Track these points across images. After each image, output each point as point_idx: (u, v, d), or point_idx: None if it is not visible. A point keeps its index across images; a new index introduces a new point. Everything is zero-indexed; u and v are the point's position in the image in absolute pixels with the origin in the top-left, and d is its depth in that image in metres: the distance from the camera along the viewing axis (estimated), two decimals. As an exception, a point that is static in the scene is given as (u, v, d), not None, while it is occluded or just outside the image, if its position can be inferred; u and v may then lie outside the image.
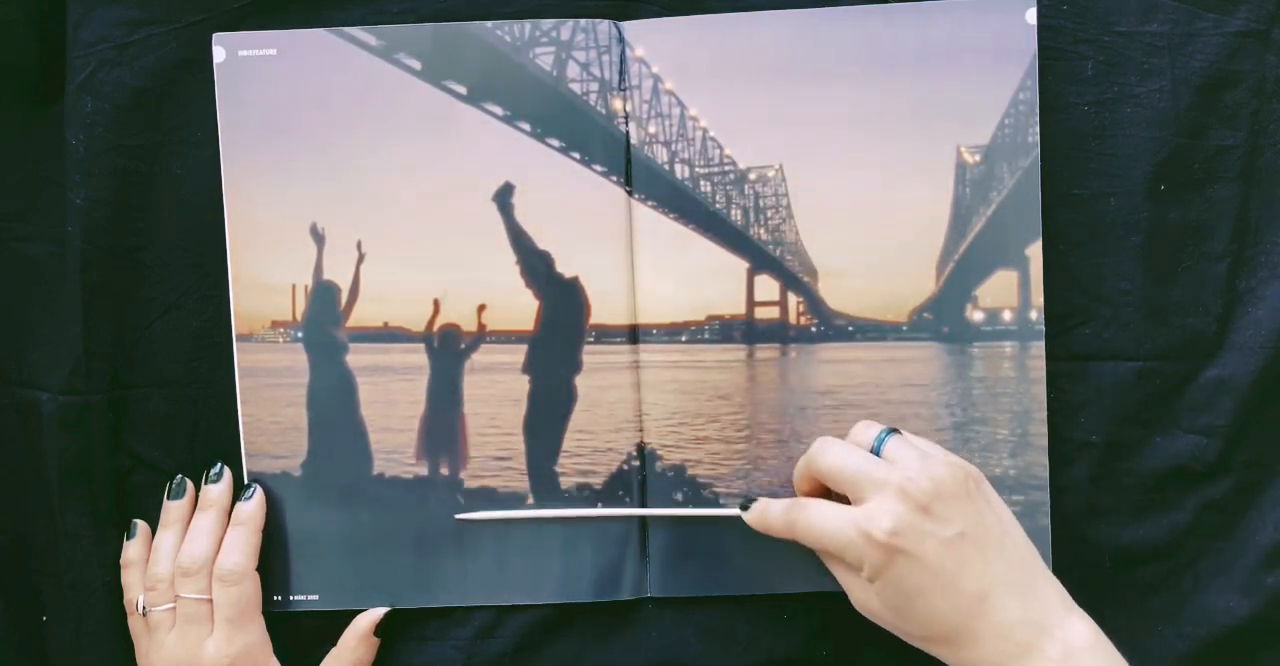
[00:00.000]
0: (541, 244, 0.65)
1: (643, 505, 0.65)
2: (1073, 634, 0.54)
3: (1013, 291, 0.64)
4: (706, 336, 0.65)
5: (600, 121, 0.64)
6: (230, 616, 0.62)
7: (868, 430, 0.59)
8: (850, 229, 0.65)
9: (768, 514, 0.59)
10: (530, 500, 0.65)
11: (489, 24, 0.64)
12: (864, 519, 0.54)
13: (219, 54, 0.64)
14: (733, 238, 0.65)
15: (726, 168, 0.65)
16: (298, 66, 0.64)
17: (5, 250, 0.67)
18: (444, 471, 0.65)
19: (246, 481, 0.65)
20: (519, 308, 0.65)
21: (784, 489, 0.65)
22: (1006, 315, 0.64)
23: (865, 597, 0.57)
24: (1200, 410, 0.65)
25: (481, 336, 0.65)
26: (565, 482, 0.65)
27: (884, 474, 0.55)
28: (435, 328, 0.65)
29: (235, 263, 0.65)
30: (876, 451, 0.58)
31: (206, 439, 0.66)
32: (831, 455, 0.58)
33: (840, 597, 0.65)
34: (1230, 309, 0.65)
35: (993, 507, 0.57)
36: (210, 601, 0.62)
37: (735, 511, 0.62)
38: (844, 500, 0.57)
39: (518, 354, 0.65)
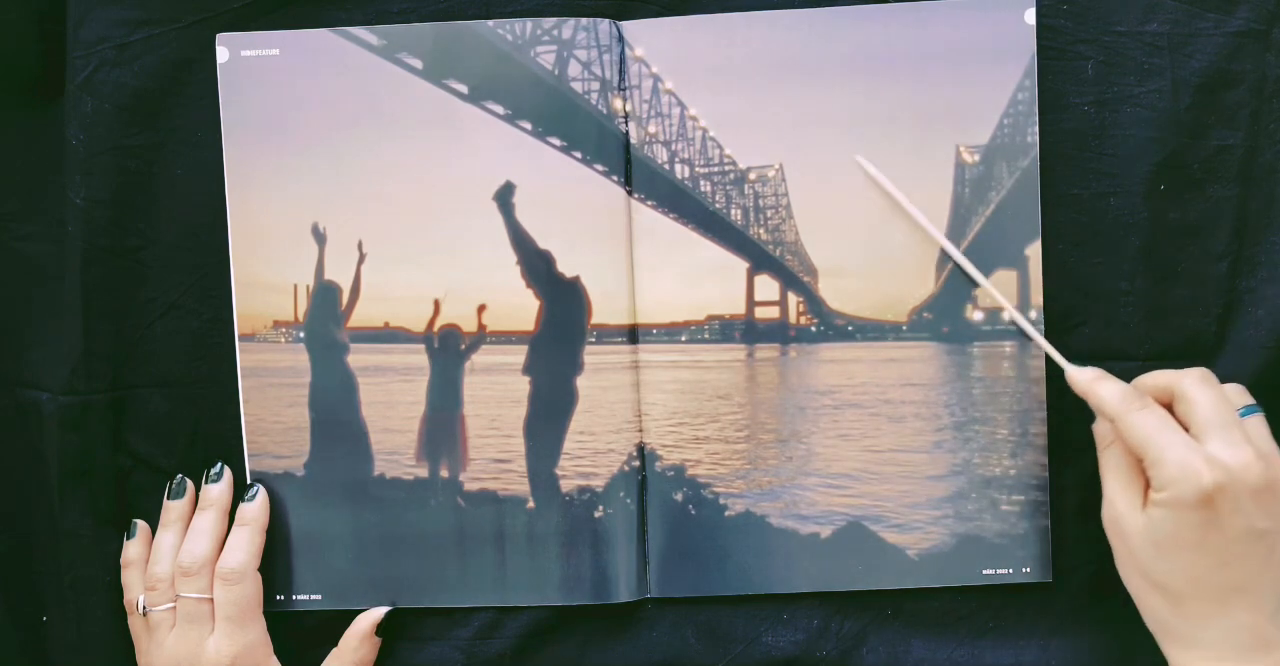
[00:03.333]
0: (542, 243, 0.65)
1: (643, 505, 0.65)
2: None
3: (1012, 291, 0.64)
4: (706, 336, 0.65)
5: (601, 121, 0.64)
6: (231, 615, 0.62)
7: (1240, 395, 0.59)
8: (850, 229, 0.65)
9: (1100, 386, 0.59)
10: (530, 504, 0.65)
11: (490, 23, 0.64)
12: (1205, 458, 0.54)
13: (222, 54, 0.64)
14: (733, 237, 0.65)
15: (726, 167, 0.65)
16: (300, 66, 0.64)
17: (5, 250, 0.67)
18: (444, 473, 0.65)
19: (249, 481, 0.65)
20: (520, 308, 0.65)
21: (784, 489, 0.65)
22: (1006, 315, 0.64)
23: (1130, 513, 0.57)
24: (1200, 410, 0.65)
25: (482, 337, 0.65)
26: (566, 485, 0.65)
27: (1242, 438, 0.55)
28: (436, 328, 0.65)
29: (237, 262, 0.65)
30: (1241, 416, 0.57)
31: (207, 439, 0.66)
32: (1210, 391, 0.57)
33: (841, 597, 0.65)
34: (1230, 309, 0.65)
35: None
36: (210, 601, 0.62)
37: (1064, 362, 0.61)
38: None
39: (518, 354, 0.65)
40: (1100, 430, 0.61)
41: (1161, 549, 0.55)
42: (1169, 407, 0.58)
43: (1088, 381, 0.59)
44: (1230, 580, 0.54)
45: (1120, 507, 0.57)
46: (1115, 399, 0.58)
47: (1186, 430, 0.56)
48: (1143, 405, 0.57)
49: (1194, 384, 0.57)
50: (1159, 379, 0.59)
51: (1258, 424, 0.58)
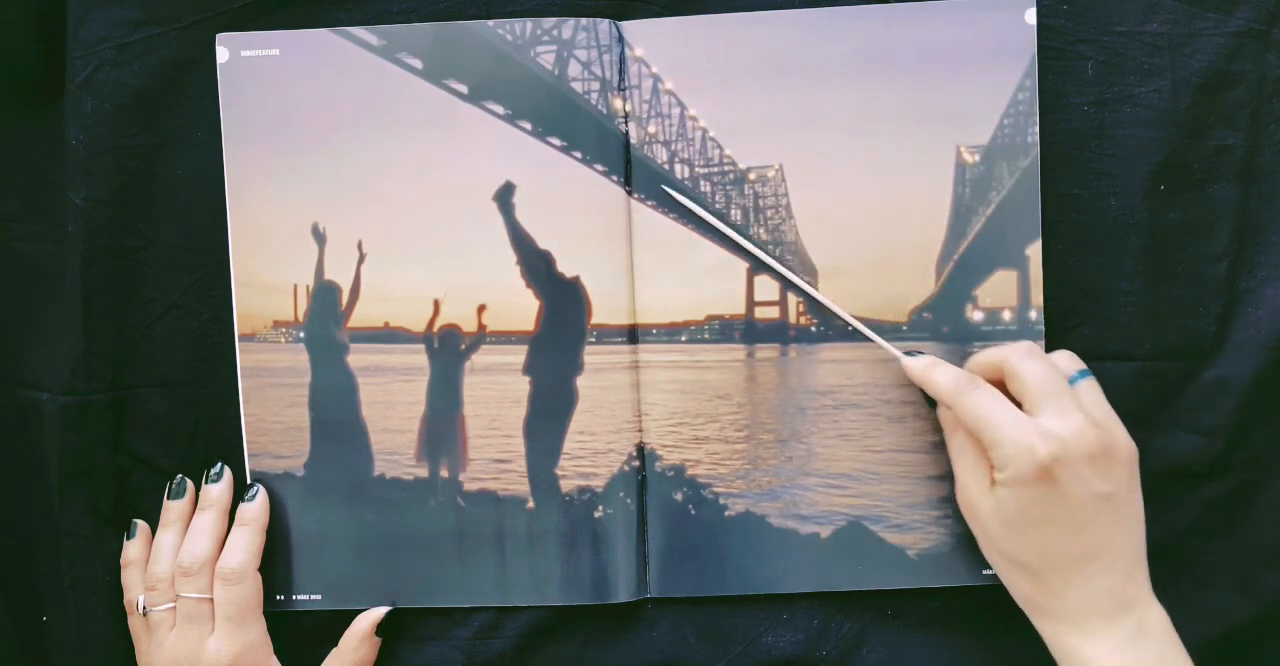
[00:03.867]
0: (542, 243, 0.65)
1: (642, 505, 0.65)
2: (1150, 618, 0.56)
3: (1012, 291, 0.64)
4: (706, 336, 0.65)
5: (601, 121, 0.64)
6: (231, 615, 0.62)
7: (1071, 362, 0.60)
8: (850, 229, 0.65)
9: (935, 372, 0.60)
10: (530, 504, 0.65)
11: (490, 23, 0.64)
12: (1037, 432, 0.55)
13: (222, 54, 0.64)
14: (733, 237, 0.65)
15: (726, 167, 0.65)
16: (300, 66, 0.64)
17: (5, 250, 0.67)
18: (444, 473, 0.65)
19: (249, 481, 0.65)
20: (520, 308, 0.65)
21: (783, 489, 0.65)
22: (1006, 315, 0.64)
23: (979, 494, 0.58)
24: (1200, 410, 0.65)
25: (482, 336, 0.65)
26: (566, 486, 0.65)
27: (1074, 406, 0.56)
28: (436, 328, 0.65)
29: (237, 263, 0.65)
30: (1071, 383, 0.58)
31: (207, 439, 0.66)
32: (1035, 363, 0.58)
33: (841, 597, 0.65)
34: (1230, 309, 0.65)
35: (1139, 492, 0.58)
36: (210, 601, 0.62)
37: (898, 353, 0.62)
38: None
39: (518, 354, 0.65)
40: (944, 416, 0.62)
41: (1012, 526, 0.57)
42: (1003, 386, 0.59)
43: (922, 369, 0.60)
44: (1082, 548, 0.55)
45: (971, 491, 0.59)
46: (949, 384, 0.59)
47: (1021, 406, 0.57)
48: (974, 387, 0.58)
49: (1020, 358, 0.58)
50: (989, 357, 0.60)
51: (1089, 388, 0.59)
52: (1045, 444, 0.54)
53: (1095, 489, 0.55)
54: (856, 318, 0.65)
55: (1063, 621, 0.56)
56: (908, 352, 0.62)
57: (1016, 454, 0.55)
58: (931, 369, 0.60)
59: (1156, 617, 0.56)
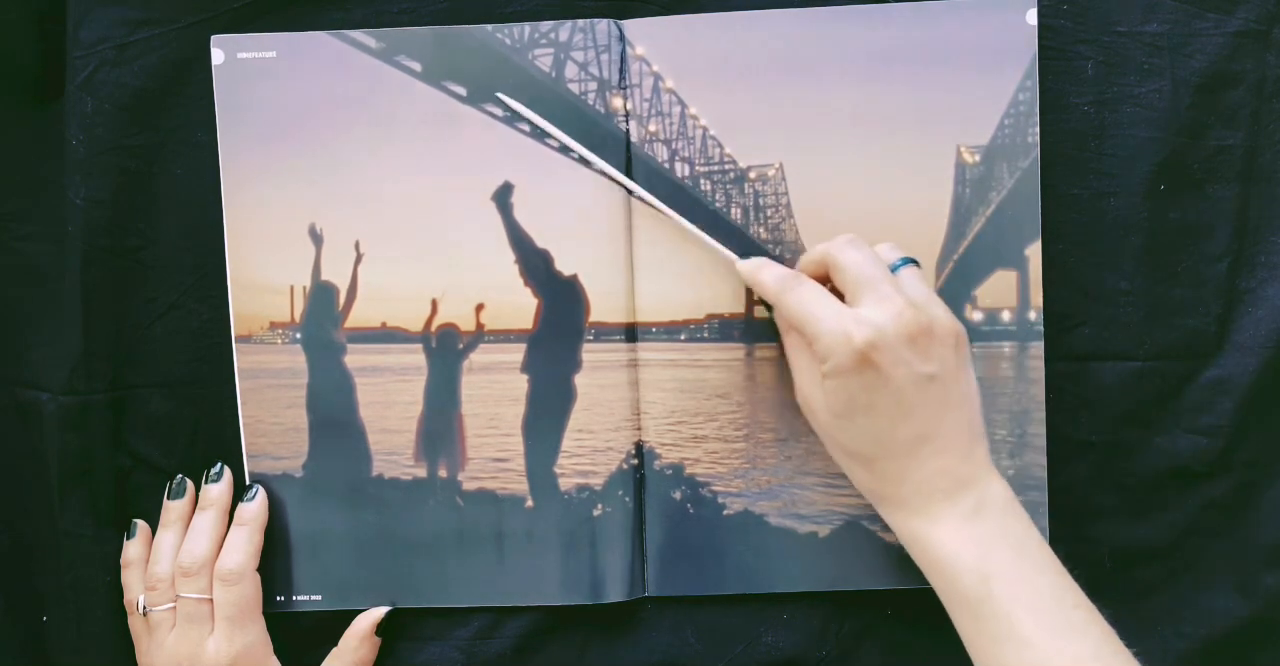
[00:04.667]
0: (541, 243, 0.65)
1: (640, 503, 0.65)
2: (990, 491, 0.56)
3: (1012, 291, 0.64)
4: (705, 335, 0.65)
5: (599, 120, 0.64)
6: (230, 616, 0.62)
7: (893, 251, 0.60)
8: (850, 228, 0.64)
9: (762, 272, 0.60)
10: (529, 503, 0.65)
11: (489, 27, 0.64)
12: (853, 320, 0.55)
13: (218, 56, 0.64)
14: (733, 237, 0.65)
15: (726, 166, 0.65)
16: (297, 69, 0.64)
17: (5, 250, 0.67)
18: (443, 473, 0.65)
19: (248, 482, 0.65)
20: (518, 307, 0.65)
21: (782, 488, 0.65)
22: (1005, 315, 0.64)
23: (811, 391, 0.58)
24: (1200, 410, 0.65)
25: (480, 336, 0.65)
26: (564, 484, 0.65)
27: (891, 290, 0.56)
28: (434, 327, 0.65)
29: (234, 264, 0.65)
30: (893, 271, 0.58)
31: (206, 439, 0.66)
32: (854, 252, 0.58)
33: (840, 597, 0.65)
34: (1230, 309, 0.65)
35: (968, 371, 0.58)
36: (210, 601, 0.62)
37: (732, 256, 0.62)
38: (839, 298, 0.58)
39: (516, 353, 0.65)
40: (778, 318, 0.62)
41: (842, 417, 0.57)
42: (831, 283, 0.59)
43: (751, 269, 0.61)
44: (912, 431, 0.55)
45: (804, 388, 0.59)
46: (773, 283, 0.59)
47: (845, 299, 0.57)
48: (798, 283, 0.58)
49: (840, 250, 0.58)
50: (815, 253, 0.60)
51: (910, 275, 0.59)
52: (861, 330, 0.54)
53: (918, 370, 0.55)
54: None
55: (903, 507, 0.57)
56: (741, 256, 0.62)
57: (834, 343, 0.55)
58: (759, 269, 0.60)
59: (997, 491, 0.56)
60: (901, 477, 0.56)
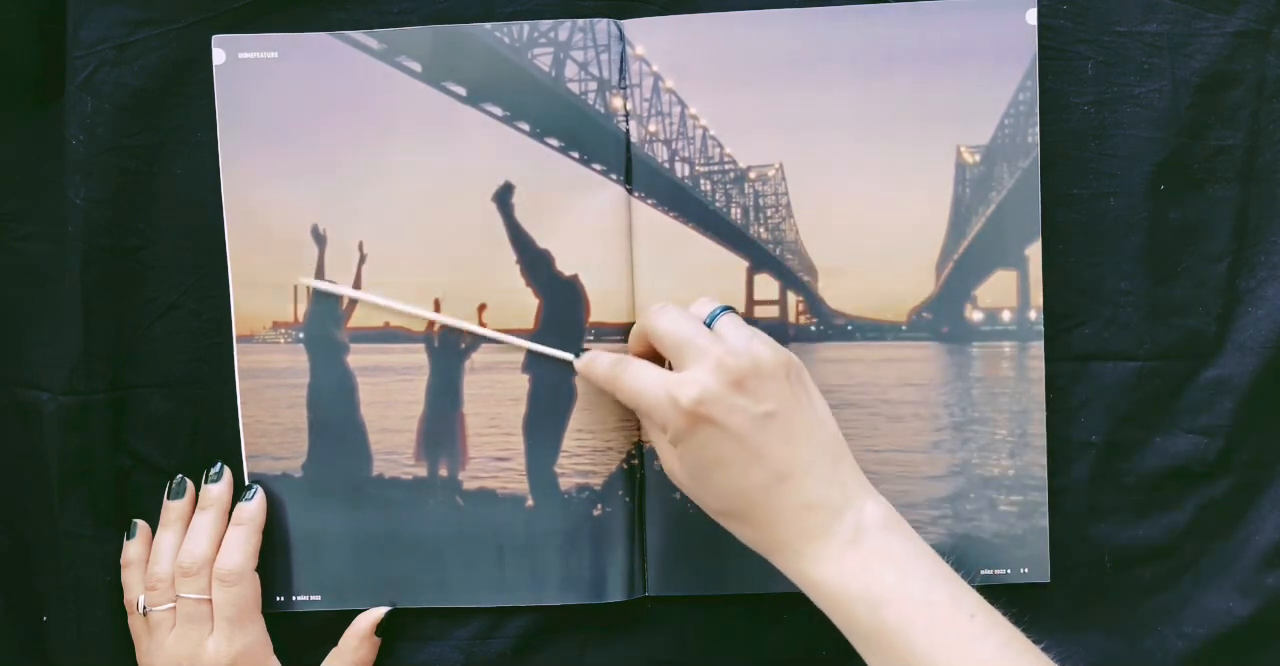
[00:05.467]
0: (541, 243, 0.65)
1: (641, 504, 0.65)
2: (865, 513, 0.54)
3: (1012, 291, 0.64)
4: (706, 336, 0.65)
5: (599, 120, 0.64)
6: (230, 616, 0.62)
7: (706, 304, 0.59)
8: (850, 228, 0.65)
9: (595, 364, 0.60)
10: (530, 503, 0.65)
11: (488, 26, 0.64)
12: (675, 383, 0.55)
13: (219, 56, 0.64)
14: (732, 236, 0.65)
15: (726, 166, 0.65)
16: (298, 69, 0.64)
17: (5, 250, 0.67)
18: (443, 472, 0.65)
19: (247, 482, 0.65)
20: (519, 307, 0.65)
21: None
22: (1006, 315, 0.64)
23: (671, 462, 0.57)
24: (1200, 410, 0.65)
25: (482, 336, 0.65)
26: (565, 484, 0.65)
27: (707, 343, 0.55)
28: (436, 327, 0.65)
29: (235, 264, 0.65)
30: (709, 324, 0.58)
31: (206, 439, 0.66)
32: (665, 319, 0.57)
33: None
34: (1230, 309, 0.65)
35: (810, 396, 0.57)
36: (210, 601, 0.62)
37: (569, 356, 0.63)
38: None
39: (518, 353, 0.65)
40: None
41: (699, 478, 0.56)
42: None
43: (584, 367, 0.61)
44: (768, 473, 0.54)
45: (665, 461, 0.58)
46: (603, 373, 0.59)
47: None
48: (623, 368, 0.58)
49: (653, 321, 0.58)
50: (637, 330, 0.61)
51: (727, 322, 0.57)
52: (685, 391, 0.54)
53: (753, 412, 0.54)
54: (856, 317, 0.65)
55: (785, 551, 0.55)
56: (575, 354, 0.63)
57: (666, 411, 0.55)
58: (590, 365, 0.61)
59: (872, 510, 0.54)
60: (774, 521, 0.55)
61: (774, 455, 0.54)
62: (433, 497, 0.65)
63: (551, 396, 0.65)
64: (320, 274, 0.65)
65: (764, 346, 0.56)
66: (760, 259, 0.65)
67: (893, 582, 0.53)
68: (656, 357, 0.60)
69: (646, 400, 0.56)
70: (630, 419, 0.65)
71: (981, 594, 0.63)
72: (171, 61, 0.65)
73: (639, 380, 0.57)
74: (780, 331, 0.65)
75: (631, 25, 0.64)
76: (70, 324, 0.65)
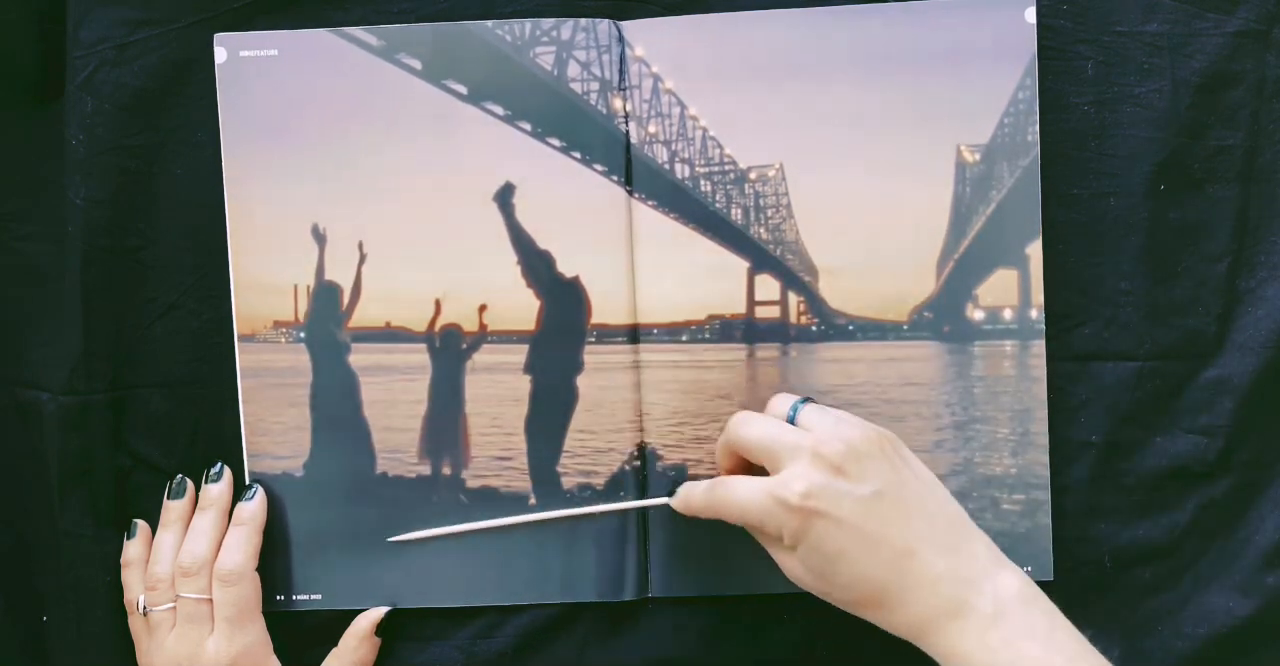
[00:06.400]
0: (542, 243, 0.65)
1: (642, 504, 0.65)
2: (1002, 586, 0.54)
3: (1013, 290, 0.64)
4: (707, 336, 0.65)
5: (600, 121, 0.64)
6: (230, 616, 0.62)
7: (784, 401, 0.59)
8: (850, 228, 0.65)
9: (691, 497, 0.59)
10: (532, 500, 0.65)
11: (489, 24, 0.64)
12: (777, 485, 0.54)
13: (220, 54, 0.64)
14: (733, 237, 0.65)
15: (727, 167, 0.65)
16: (299, 67, 0.64)
17: (5, 250, 0.67)
18: (446, 471, 0.65)
19: (248, 481, 0.65)
20: (520, 307, 0.65)
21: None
22: (1007, 314, 0.64)
23: (793, 567, 0.57)
24: (1200, 410, 0.65)
25: (483, 336, 0.65)
26: (567, 483, 0.65)
27: (796, 438, 0.55)
28: (437, 327, 0.65)
29: (236, 263, 0.65)
30: (791, 420, 0.57)
31: (207, 439, 0.66)
32: (747, 427, 0.57)
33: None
34: (1230, 309, 0.65)
35: (911, 467, 0.56)
36: (210, 601, 0.62)
37: (664, 500, 0.62)
38: (766, 473, 0.57)
39: (519, 354, 0.65)
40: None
41: (825, 575, 0.55)
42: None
43: (682, 503, 0.60)
44: (890, 553, 0.54)
45: (789, 569, 0.57)
46: (701, 500, 0.58)
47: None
48: (721, 487, 0.57)
49: (734, 432, 0.58)
50: (723, 446, 0.60)
51: (809, 413, 0.57)
52: (790, 489, 0.54)
53: (859, 494, 0.54)
54: (857, 317, 0.65)
55: (927, 629, 0.54)
56: (669, 492, 0.61)
57: (776, 516, 0.54)
58: (687, 498, 0.59)
59: (1009, 583, 0.54)
60: (908, 601, 0.54)
61: (891, 533, 0.54)
62: (436, 495, 0.65)
63: (553, 397, 0.65)
64: (321, 273, 0.65)
65: (852, 428, 0.56)
66: (761, 259, 0.65)
67: (1036, 658, 0.52)
68: (750, 471, 0.59)
69: (754, 511, 0.55)
70: (633, 420, 0.65)
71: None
72: (171, 61, 0.65)
73: (739, 493, 0.56)
74: (781, 332, 0.65)
75: (631, 26, 0.64)
76: (70, 324, 0.65)
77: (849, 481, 0.54)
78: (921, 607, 0.54)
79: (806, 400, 0.59)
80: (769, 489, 0.55)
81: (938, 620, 0.53)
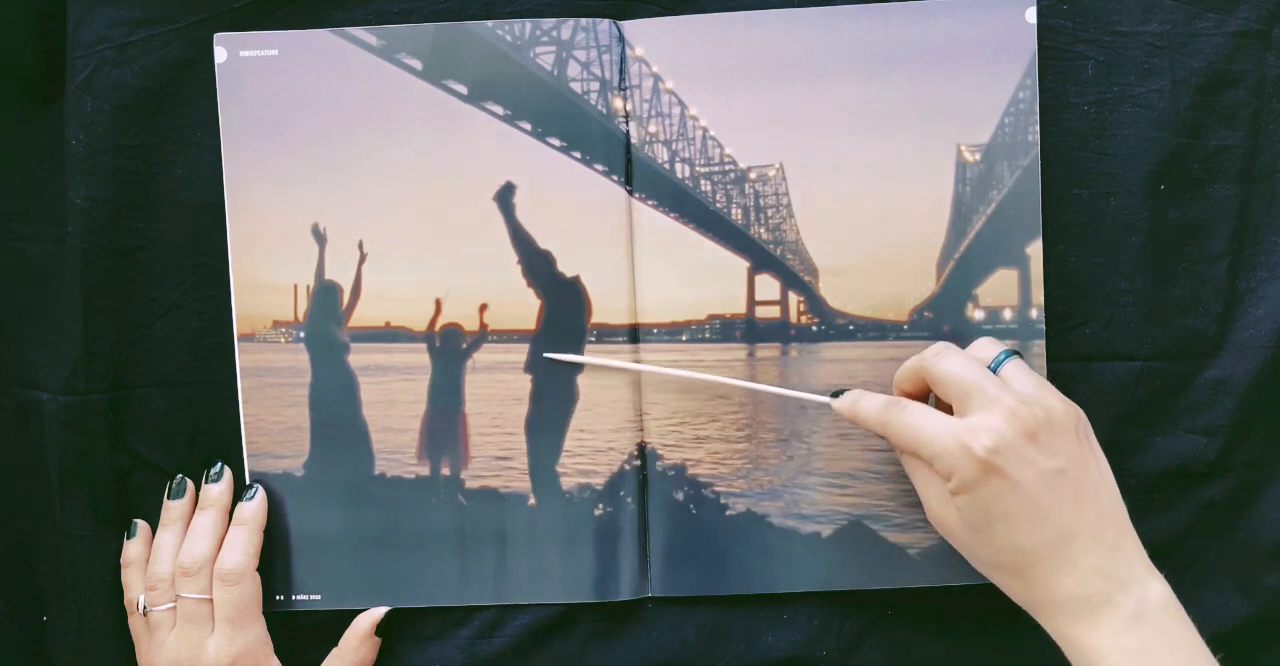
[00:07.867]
0: (542, 243, 0.65)
1: (643, 505, 0.65)
2: (1149, 592, 0.53)
3: (1013, 290, 0.64)
4: (707, 336, 0.65)
5: (600, 121, 0.64)
6: (230, 616, 0.62)
7: (990, 347, 0.58)
8: (850, 228, 0.65)
9: (860, 405, 0.58)
10: (531, 501, 0.65)
11: (489, 23, 0.64)
12: (967, 431, 0.53)
13: (220, 54, 0.64)
14: (733, 237, 0.65)
15: (727, 167, 0.65)
16: (299, 67, 0.64)
17: (5, 250, 0.67)
18: (445, 471, 0.65)
19: (248, 481, 0.65)
20: (520, 307, 0.65)
21: (784, 488, 0.65)
22: (1007, 314, 0.64)
23: (942, 510, 0.56)
24: (1200, 410, 0.65)
25: (483, 336, 0.65)
26: (566, 483, 0.65)
27: (998, 392, 0.54)
28: (437, 327, 0.65)
29: (236, 263, 0.65)
30: (994, 369, 0.57)
31: (207, 439, 0.66)
32: (951, 362, 0.56)
33: (841, 597, 0.65)
34: (1230, 309, 0.65)
35: (1096, 455, 0.55)
36: (211, 601, 0.62)
37: (826, 398, 0.61)
38: (945, 409, 0.56)
39: (519, 353, 0.65)
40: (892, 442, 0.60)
41: (980, 531, 0.54)
42: (929, 395, 0.58)
43: (849, 406, 0.59)
44: (1054, 532, 0.53)
45: (935, 509, 0.57)
46: (874, 415, 0.58)
47: (953, 410, 0.56)
48: (899, 410, 0.57)
49: (934, 362, 0.57)
50: (908, 371, 0.59)
51: (1014, 369, 0.57)
52: (979, 439, 0.53)
53: (1044, 467, 0.53)
54: (857, 317, 0.65)
55: (1060, 612, 0.54)
56: (833, 393, 0.61)
57: (954, 459, 0.53)
58: (857, 404, 0.59)
59: (1156, 591, 0.53)
60: (1054, 582, 0.53)
61: (1062, 514, 0.53)
62: (435, 496, 0.65)
63: (553, 396, 0.65)
64: (321, 272, 0.65)
65: (1055, 398, 0.55)
66: (761, 259, 0.65)
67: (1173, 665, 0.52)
68: (924, 399, 0.59)
69: (933, 446, 0.54)
70: (633, 419, 0.65)
71: (984, 593, 0.63)
72: (171, 61, 0.65)
73: (922, 423, 0.55)
74: (781, 331, 0.65)
75: (631, 26, 0.64)
76: (70, 324, 0.65)
77: (1038, 451, 0.53)
78: (1063, 593, 0.53)
79: (1014, 353, 0.58)
80: (957, 432, 0.54)
81: (1076, 609, 0.53)
